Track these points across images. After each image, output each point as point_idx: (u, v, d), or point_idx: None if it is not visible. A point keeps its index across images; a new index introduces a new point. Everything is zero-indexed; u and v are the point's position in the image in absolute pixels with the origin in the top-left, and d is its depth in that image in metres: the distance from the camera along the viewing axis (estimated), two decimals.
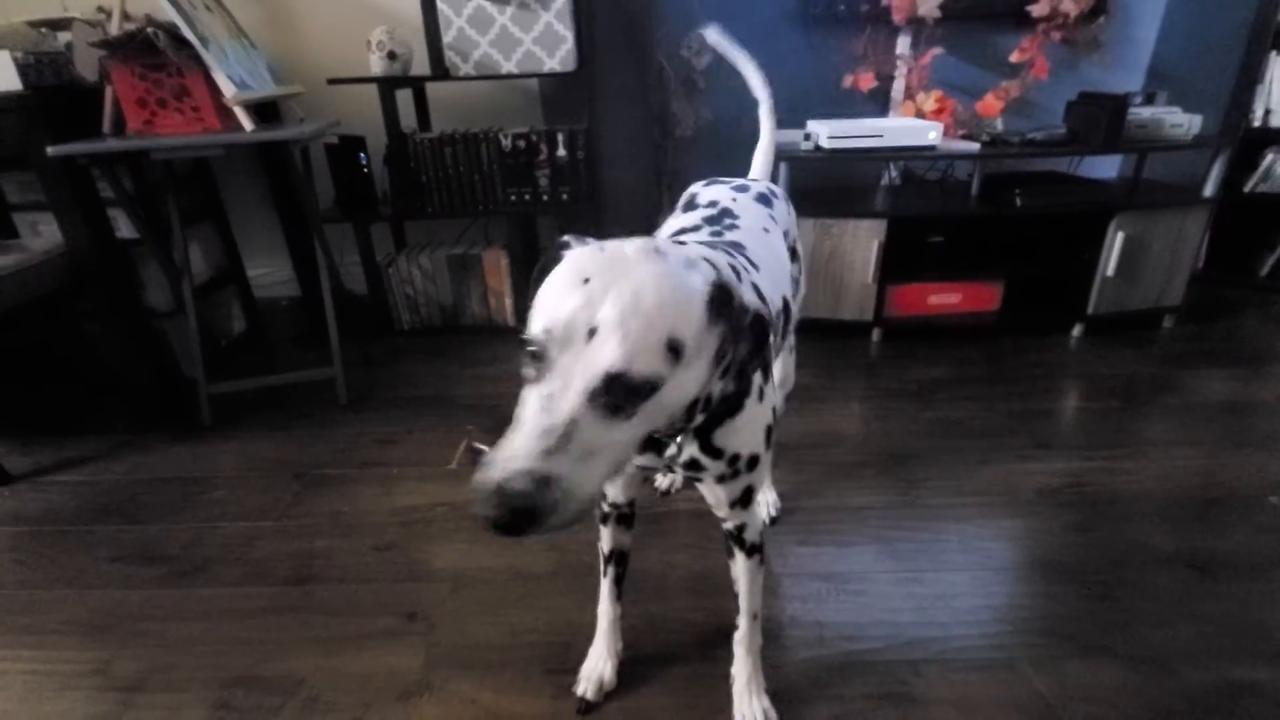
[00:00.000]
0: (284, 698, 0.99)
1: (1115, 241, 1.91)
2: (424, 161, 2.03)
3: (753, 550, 0.83)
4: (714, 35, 1.18)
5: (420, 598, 1.16)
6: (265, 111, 1.93)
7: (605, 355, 0.47)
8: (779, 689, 0.95)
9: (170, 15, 1.48)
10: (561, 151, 2.02)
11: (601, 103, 2.25)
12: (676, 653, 1.04)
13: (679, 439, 0.66)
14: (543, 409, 0.48)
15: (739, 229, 0.86)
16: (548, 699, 0.97)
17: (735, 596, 0.88)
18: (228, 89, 1.54)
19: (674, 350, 0.50)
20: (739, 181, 1.03)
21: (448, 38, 1.90)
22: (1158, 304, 2.05)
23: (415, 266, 2.17)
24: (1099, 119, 1.84)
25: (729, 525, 0.81)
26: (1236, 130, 2.02)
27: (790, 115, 2.10)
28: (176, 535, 1.35)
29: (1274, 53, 2.06)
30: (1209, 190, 1.93)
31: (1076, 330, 2.07)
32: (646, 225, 1.10)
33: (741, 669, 0.92)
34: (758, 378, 0.67)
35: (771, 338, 0.76)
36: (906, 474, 1.45)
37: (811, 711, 0.94)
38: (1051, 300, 2.09)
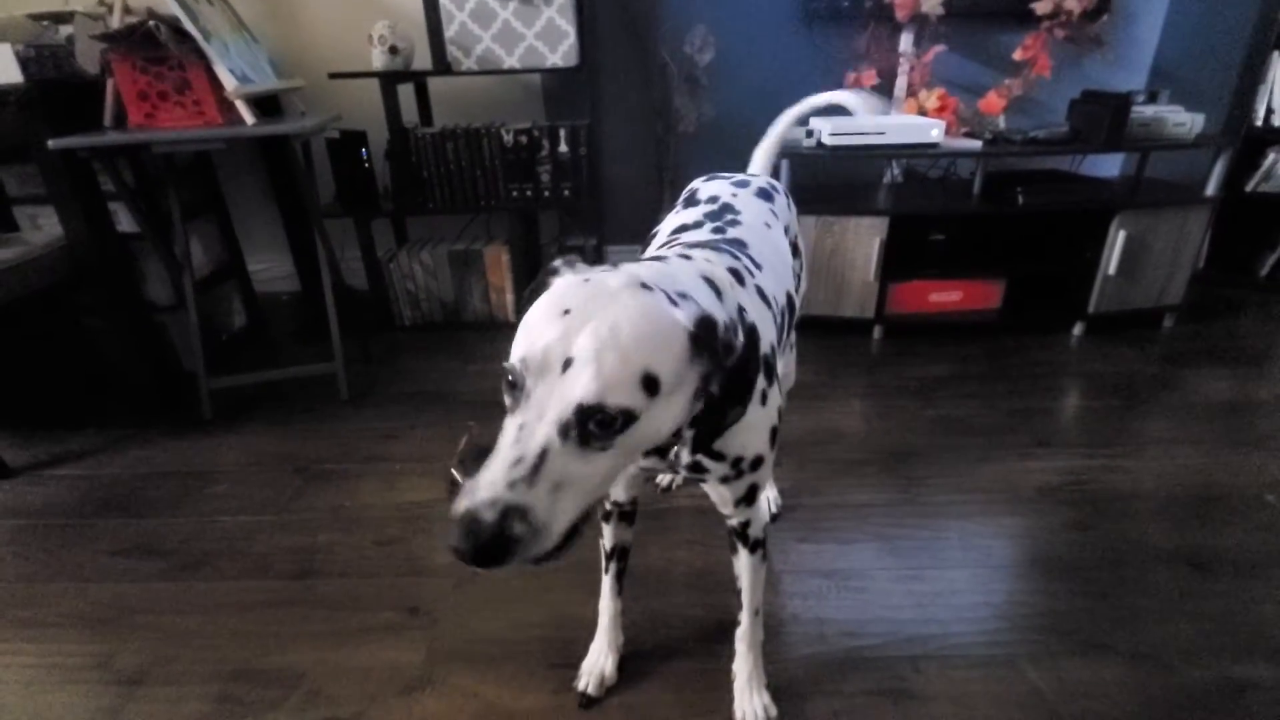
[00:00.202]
0: (285, 691, 0.99)
1: (1117, 240, 1.91)
2: (425, 157, 2.02)
3: (756, 546, 0.83)
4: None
5: (422, 592, 1.16)
6: (266, 105, 1.92)
7: (578, 387, 0.47)
8: (780, 685, 0.95)
9: (172, 8, 1.47)
10: (563, 147, 2.01)
11: (604, 99, 2.25)
12: (677, 648, 1.04)
13: (676, 447, 0.65)
14: (516, 440, 0.48)
15: (740, 225, 0.86)
16: (549, 694, 0.97)
17: (737, 592, 0.88)
18: (229, 82, 1.53)
19: (649, 385, 0.49)
20: (739, 177, 1.02)
21: (450, 32, 1.89)
22: (1158, 303, 2.05)
23: (416, 262, 2.17)
24: (1102, 117, 1.84)
25: (733, 522, 0.81)
26: (1239, 130, 2.02)
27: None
28: (177, 529, 1.35)
29: (1276, 52, 2.05)
30: (1211, 189, 1.93)
31: (1077, 329, 2.07)
32: (648, 221, 1.09)
33: (743, 665, 0.92)
34: (761, 381, 0.67)
35: (775, 337, 0.76)
36: (907, 471, 1.45)
37: (812, 707, 0.94)
38: (1053, 298, 2.10)
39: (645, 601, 1.12)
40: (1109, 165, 2.42)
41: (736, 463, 0.70)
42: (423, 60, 2.01)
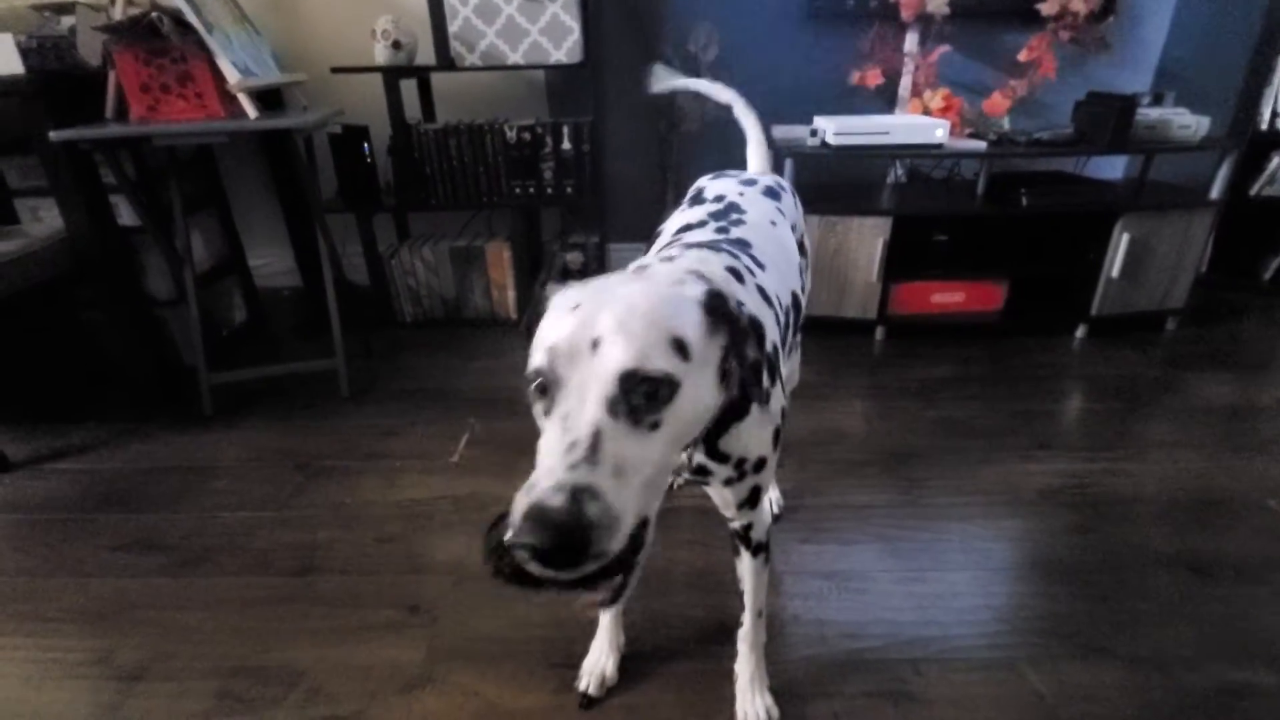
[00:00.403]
0: (285, 688, 0.99)
1: (1120, 243, 1.91)
2: (428, 152, 2.01)
3: (759, 549, 0.83)
4: (661, 78, 1.17)
5: (422, 590, 1.16)
6: (269, 99, 1.91)
7: (615, 356, 0.47)
8: (781, 686, 0.95)
9: (175, 0, 1.46)
10: (566, 144, 2.01)
11: (607, 96, 2.24)
12: (678, 649, 1.04)
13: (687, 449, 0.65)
14: (563, 429, 0.45)
15: (745, 224, 0.85)
16: (550, 693, 0.97)
17: (739, 594, 0.88)
18: (232, 75, 1.52)
19: (680, 348, 0.49)
20: (746, 175, 1.02)
21: (453, 27, 1.88)
22: (1161, 306, 2.04)
23: (418, 258, 2.16)
24: (1107, 119, 1.83)
25: (736, 525, 0.81)
26: (1244, 132, 2.02)
27: (797, 111, 2.10)
28: (177, 525, 1.34)
29: None
30: (1215, 193, 1.93)
31: (1080, 331, 2.07)
32: (650, 219, 1.09)
33: (745, 666, 0.92)
34: (764, 380, 0.67)
35: (779, 337, 0.76)
36: (909, 473, 1.45)
37: (812, 709, 0.94)
38: (1055, 301, 2.09)
39: (646, 602, 1.12)
40: (1113, 167, 2.42)
41: (740, 464, 0.70)
42: (426, 55, 2.00)
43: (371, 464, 1.52)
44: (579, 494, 0.42)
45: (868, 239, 1.92)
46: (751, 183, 0.98)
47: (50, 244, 1.59)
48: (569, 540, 0.41)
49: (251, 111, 1.57)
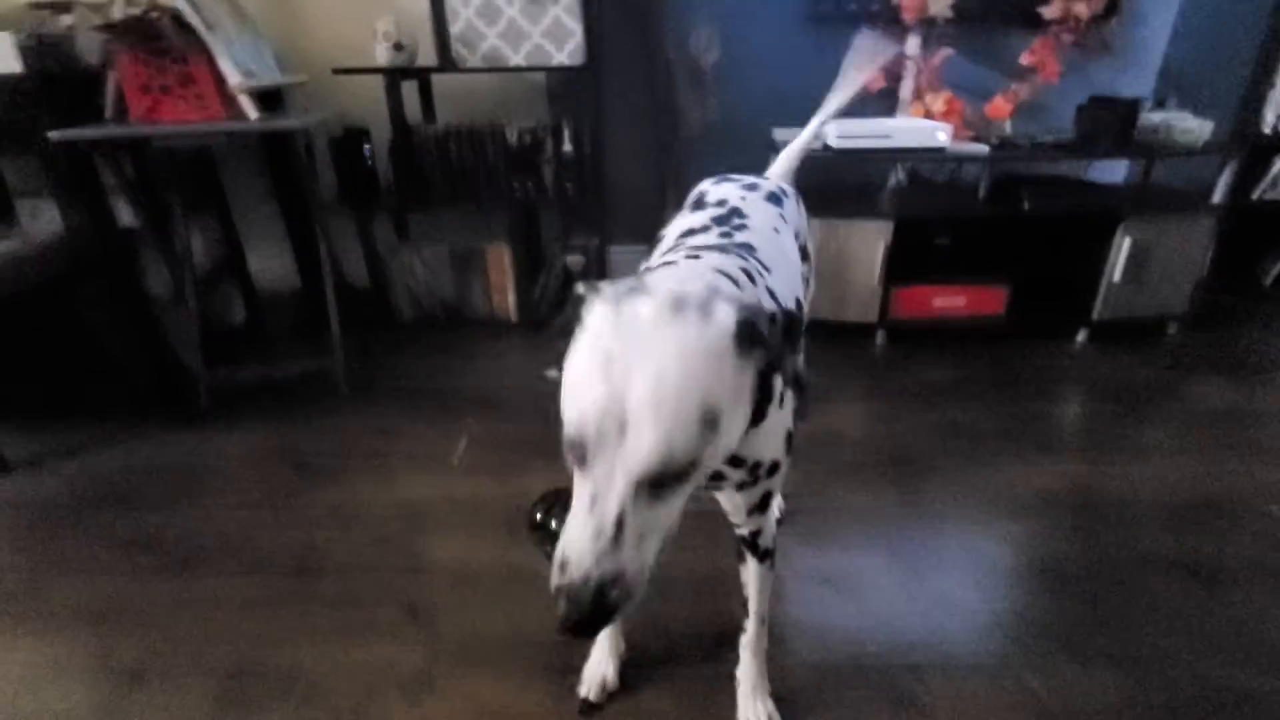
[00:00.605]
0: (284, 689, 0.98)
1: (1122, 247, 1.91)
2: (428, 154, 2.01)
3: (765, 555, 0.82)
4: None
5: (421, 591, 1.16)
6: (269, 100, 1.91)
7: (641, 455, 0.47)
8: (782, 692, 0.95)
9: (175, 0, 1.46)
10: (567, 147, 2.00)
11: (608, 98, 2.23)
12: (679, 654, 1.03)
13: None
14: (591, 510, 0.49)
15: (748, 229, 0.85)
16: (549, 697, 0.97)
17: (741, 599, 0.88)
18: (232, 76, 1.52)
19: (710, 421, 0.49)
20: (749, 179, 1.01)
21: (455, 29, 1.88)
22: (1162, 311, 2.04)
23: (418, 260, 2.16)
24: (1109, 123, 1.83)
25: (743, 531, 0.81)
26: (1247, 137, 2.02)
27: (798, 114, 2.09)
28: (175, 524, 1.34)
29: None
30: (1218, 197, 1.93)
31: (1081, 335, 2.07)
32: (650, 221, 1.09)
33: (747, 671, 0.92)
34: (777, 383, 0.66)
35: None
36: (910, 476, 1.45)
37: (814, 714, 0.94)
38: (1057, 305, 2.09)
39: (647, 607, 1.10)
40: (1115, 171, 2.42)
41: (754, 468, 0.69)
42: (427, 57, 2.00)
43: (370, 464, 1.51)
44: (603, 587, 0.48)
45: (869, 242, 1.91)
46: (754, 187, 0.97)
47: (49, 244, 1.59)
48: (595, 621, 0.50)
49: (252, 112, 1.57)
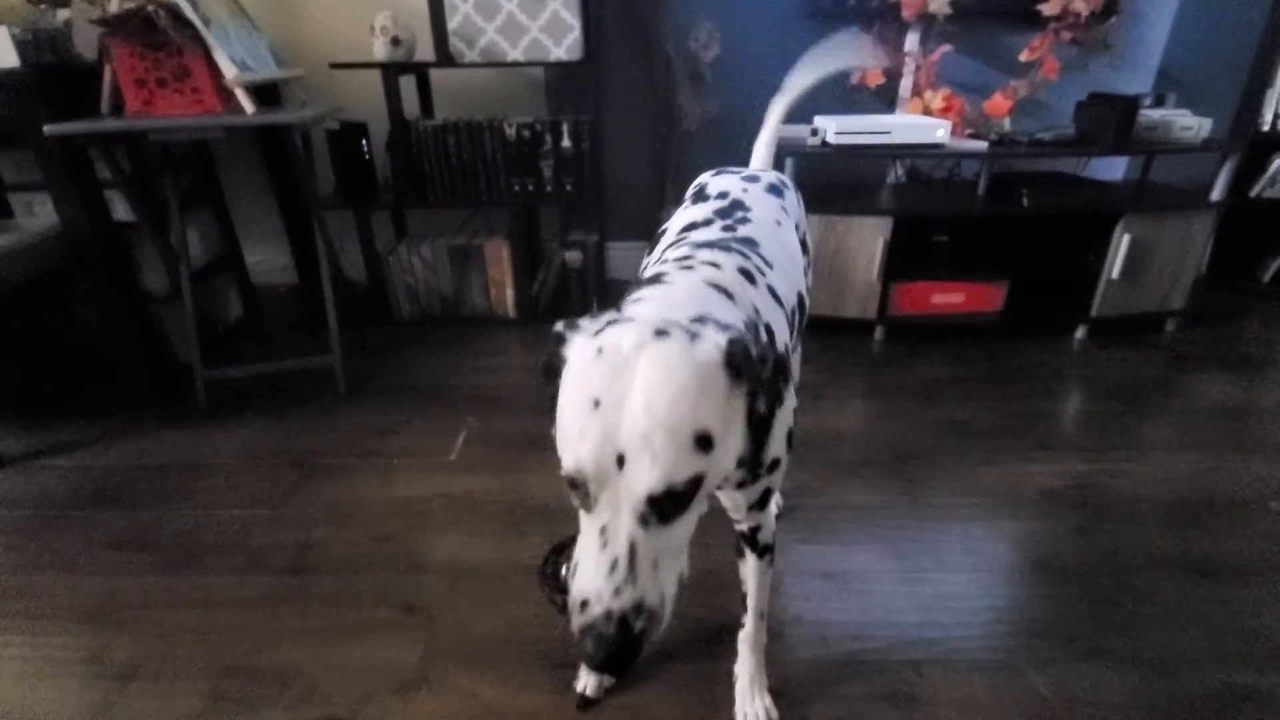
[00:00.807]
0: (280, 688, 0.98)
1: (1121, 244, 1.91)
2: (426, 149, 2.00)
3: (764, 551, 0.82)
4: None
5: (419, 589, 1.15)
6: (266, 95, 1.90)
7: (641, 481, 0.48)
8: (781, 687, 0.95)
9: None
10: (566, 142, 2.00)
11: (607, 93, 2.23)
12: (677, 650, 1.03)
13: None
14: (601, 545, 0.49)
15: (751, 222, 0.84)
16: (548, 694, 0.96)
17: (742, 595, 0.87)
18: (229, 70, 1.51)
19: (704, 443, 0.49)
20: (748, 171, 1.01)
21: (453, 24, 1.87)
22: (1161, 307, 2.04)
23: (416, 256, 2.15)
24: (1109, 120, 1.83)
25: (743, 527, 0.80)
26: (1246, 134, 2.02)
27: (797, 110, 2.08)
28: (171, 522, 1.33)
29: None
30: (1216, 194, 1.93)
31: (1080, 332, 2.07)
32: (649, 217, 1.09)
33: (745, 667, 0.91)
34: (790, 398, 0.67)
35: (788, 337, 0.75)
36: (909, 473, 1.45)
37: (813, 711, 0.93)
38: (1056, 301, 2.09)
39: None
40: (1114, 168, 2.42)
41: (755, 466, 0.69)
42: (425, 52, 1.99)
43: (368, 462, 1.51)
44: (625, 618, 0.48)
45: (868, 239, 1.91)
46: (754, 179, 0.96)
47: (45, 239, 1.58)
48: (626, 655, 0.49)
49: (249, 107, 1.56)
